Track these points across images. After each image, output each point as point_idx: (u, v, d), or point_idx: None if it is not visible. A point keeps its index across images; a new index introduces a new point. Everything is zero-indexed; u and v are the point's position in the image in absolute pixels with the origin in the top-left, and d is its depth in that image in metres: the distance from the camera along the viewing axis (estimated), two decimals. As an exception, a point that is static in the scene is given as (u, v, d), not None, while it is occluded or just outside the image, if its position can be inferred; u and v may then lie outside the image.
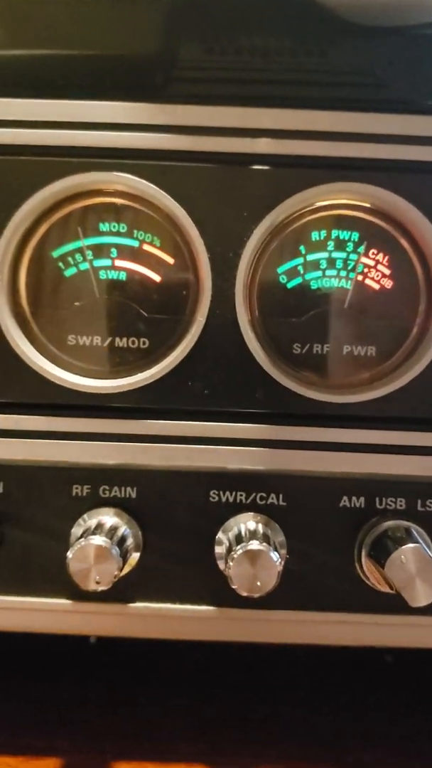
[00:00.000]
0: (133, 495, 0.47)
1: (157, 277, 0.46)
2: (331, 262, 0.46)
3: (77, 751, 0.51)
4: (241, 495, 0.47)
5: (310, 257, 0.46)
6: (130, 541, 0.45)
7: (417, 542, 0.44)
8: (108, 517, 0.46)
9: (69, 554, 0.43)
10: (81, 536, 0.44)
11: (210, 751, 0.51)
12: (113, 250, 0.46)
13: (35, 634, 0.49)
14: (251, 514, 0.47)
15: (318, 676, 0.60)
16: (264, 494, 0.47)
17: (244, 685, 0.59)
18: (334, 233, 0.46)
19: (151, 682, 0.58)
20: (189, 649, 0.59)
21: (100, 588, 0.43)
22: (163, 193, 0.45)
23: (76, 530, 0.46)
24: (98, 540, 0.43)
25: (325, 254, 0.46)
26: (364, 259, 0.46)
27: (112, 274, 0.46)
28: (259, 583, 0.43)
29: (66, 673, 0.59)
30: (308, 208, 0.45)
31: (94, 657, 0.60)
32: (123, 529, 0.45)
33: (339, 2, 0.44)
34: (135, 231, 0.46)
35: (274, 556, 0.43)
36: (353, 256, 0.46)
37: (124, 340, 0.46)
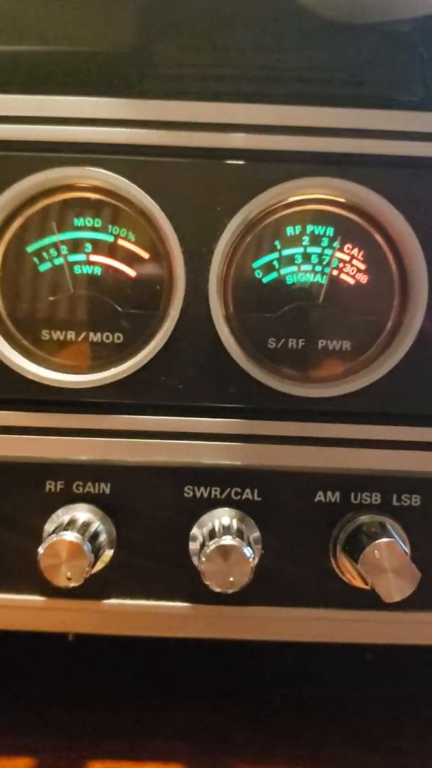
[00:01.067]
0: (107, 491, 0.47)
1: (131, 272, 0.46)
2: (306, 257, 0.46)
3: (54, 751, 0.50)
4: (215, 490, 0.47)
5: (286, 252, 0.46)
6: (103, 537, 0.45)
7: (391, 537, 0.44)
8: (81, 513, 0.46)
9: (40, 550, 0.43)
10: (53, 532, 0.44)
11: (187, 750, 0.51)
12: (88, 245, 0.46)
13: (10, 631, 0.49)
14: (226, 509, 0.47)
15: (299, 675, 0.60)
16: (239, 489, 0.47)
17: (222, 683, 0.58)
18: (309, 228, 0.46)
19: (128, 681, 0.58)
20: (166, 646, 0.59)
21: (72, 584, 0.43)
22: (137, 188, 0.45)
23: (49, 526, 0.46)
24: (70, 536, 0.43)
25: (300, 249, 0.46)
26: (338, 254, 0.46)
27: (87, 269, 0.46)
28: (231, 579, 0.43)
29: (43, 671, 0.59)
30: (282, 203, 0.46)
31: (70, 655, 0.59)
32: (96, 525, 0.45)
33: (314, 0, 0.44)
34: (110, 226, 0.46)
35: (247, 551, 0.43)
36: (328, 251, 0.46)
37: (99, 334, 0.46)
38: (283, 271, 0.46)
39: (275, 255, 0.46)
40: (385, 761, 0.51)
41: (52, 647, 0.59)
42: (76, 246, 0.46)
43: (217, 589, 0.43)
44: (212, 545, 0.43)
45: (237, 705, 0.56)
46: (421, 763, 0.51)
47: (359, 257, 0.46)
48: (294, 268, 0.46)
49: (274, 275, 0.46)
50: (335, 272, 0.46)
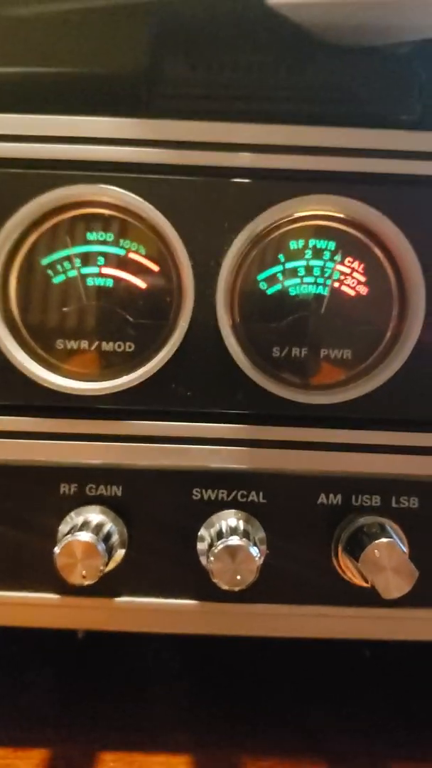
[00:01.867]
0: (119, 493, 0.48)
1: (142, 284, 0.48)
2: (309, 270, 0.48)
3: (66, 743, 0.52)
4: (222, 493, 0.48)
5: (289, 265, 0.48)
6: (115, 538, 0.47)
7: (390, 537, 0.45)
8: (94, 515, 0.47)
9: (56, 549, 0.45)
10: (68, 533, 0.46)
11: (194, 741, 0.52)
12: (100, 258, 0.47)
13: (24, 628, 0.51)
14: (232, 511, 0.48)
15: (300, 670, 0.62)
16: (245, 492, 0.49)
17: (227, 677, 0.60)
18: (312, 242, 0.48)
19: (137, 675, 0.60)
20: (174, 642, 0.60)
21: (87, 582, 0.45)
22: (148, 204, 0.46)
23: (64, 527, 0.47)
24: (85, 536, 0.45)
25: (303, 262, 0.48)
26: (340, 267, 0.48)
27: (99, 281, 0.48)
28: (239, 577, 0.44)
29: (55, 667, 0.60)
30: (286, 219, 0.47)
31: (80, 650, 0.61)
32: (109, 526, 0.47)
33: (316, 24, 0.46)
34: (121, 240, 0.47)
35: (254, 551, 0.45)
36: (330, 264, 0.48)
37: (111, 344, 0.48)
38: (286, 283, 0.48)
39: (279, 268, 0.48)
40: (385, 755, 0.52)
41: (64, 643, 0.61)
42: (88, 259, 0.47)
43: (225, 587, 0.45)
44: (220, 545, 0.44)
45: (242, 700, 0.57)
46: (422, 756, 0.52)
47: (359, 270, 0.48)
48: (297, 280, 0.48)
49: (278, 287, 0.48)
50: (336, 284, 0.48)
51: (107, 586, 0.48)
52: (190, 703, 0.57)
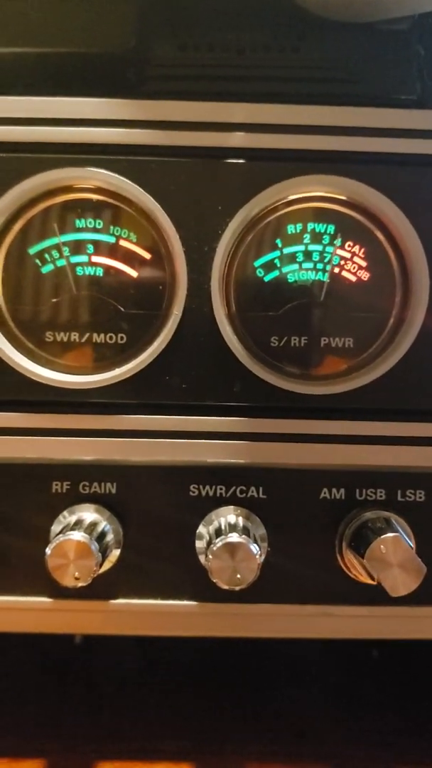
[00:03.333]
0: (113, 490, 0.47)
1: (133, 273, 0.46)
2: (308, 255, 0.46)
3: (63, 752, 0.51)
4: (221, 489, 0.47)
5: (287, 250, 0.46)
6: (110, 537, 0.45)
7: (396, 532, 0.44)
8: (88, 513, 0.46)
9: (48, 550, 0.43)
10: (60, 532, 0.44)
11: (193, 748, 0.51)
12: (90, 246, 0.46)
13: (18, 634, 0.49)
14: (232, 507, 0.47)
15: (303, 672, 0.60)
16: (244, 487, 0.47)
17: (226, 681, 0.59)
18: (310, 226, 0.46)
19: (134, 681, 0.58)
20: (171, 646, 0.59)
21: (80, 584, 0.43)
22: (138, 187, 0.45)
23: (56, 527, 0.46)
24: (77, 535, 0.43)
25: (301, 247, 0.46)
26: (340, 252, 0.46)
27: (89, 270, 0.46)
28: (239, 576, 0.43)
29: (49, 673, 0.59)
30: (283, 201, 0.46)
31: (76, 657, 0.59)
32: (103, 525, 0.45)
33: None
34: (111, 227, 0.46)
35: (254, 548, 0.43)
36: (329, 249, 0.46)
37: (102, 335, 0.46)
38: (284, 270, 0.46)
39: (277, 253, 0.46)
40: (389, 758, 0.51)
41: (59, 650, 0.59)
42: (78, 247, 0.46)
43: (225, 586, 0.43)
44: (219, 543, 0.43)
45: (244, 704, 0.56)
46: (428, 762, 0.51)
47: (360, 254, 0.46)
48: (295, 266, 0.46)
49: (275, 274, 0.46)
50: (336, 270, 0.46)
51: (102, 588, 0.47)
52: (189, 708, 0.55)
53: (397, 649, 0.61)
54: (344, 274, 0.46)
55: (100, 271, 0.46)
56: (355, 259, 0.46)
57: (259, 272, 0.46)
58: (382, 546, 0.43)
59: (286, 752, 0.51)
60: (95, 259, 0.46)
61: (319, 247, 0.46)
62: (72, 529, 0.44)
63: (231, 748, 0.51)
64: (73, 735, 0.52)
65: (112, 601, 0.48)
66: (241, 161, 0.45)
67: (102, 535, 0.45)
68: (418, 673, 0.61)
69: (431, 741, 0.53)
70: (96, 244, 0.46)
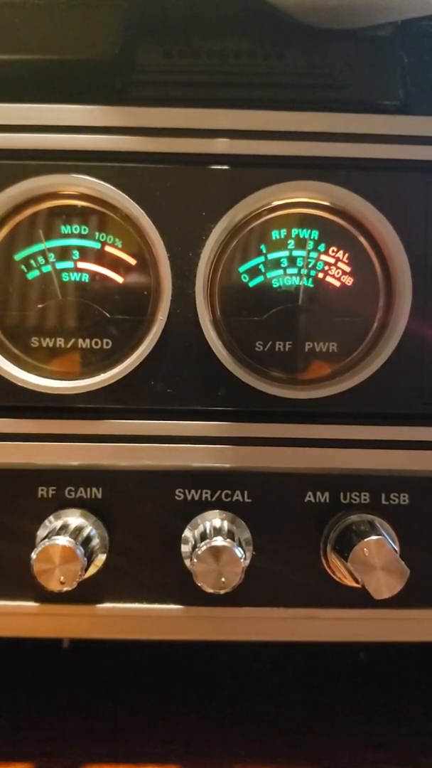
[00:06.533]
0: (99, 495, 0.47)
1: (119, 278, 0.46)
2: (292, 261, 0.46)
3: (48, 756, 0.50)
4: (206, 493, 0.47)
5: (271, 256, 0.46)
6: (96, 542, 0.46)
7: (380, 535, 0.44)
8: (73, 518, 0.46)
9: (33, 555, 0.43)
10: (46, 537, 0.44)
11: (181, 751, 0.51)
12: (75, 252, 0.46)
13: (4, 638, 0.49)
14: (217, 511, 0.47)
15: (292, 675, 0.61)
16: (229, 491, 0.47)
17: (214, 684, 0.59)
18: (294, 232, 0.46)
19: (120, 684, 0.58)
20: (158, 649, 0.59)
21: (65, 588, 0.43)
22: (122, 194, 0.45)
23: (42, 531, 0.46)
24: (62, 540, 0.43)
25: (285, 253, 0.46)
26: (324, 257, 0.46)
27: (75, 276, 0.46)
28: (223, 580, 0.43)
29: (34, 677, 0.59)
30: (267, 207, 0.46)
31: (62, 661, 0.59)
32: (89, 530, 0.45)
33: (293, 6, 0.45)
34: (97, 233, 0.46)
35: (239, 552, 0.43)
36: (313, 254, 0.46)
37: (87, 341, 0.46)
38: (269, 275, 0.46)
39: (261, 259, 0.46)
40: (382, 760, 0.51)
41: (47, 653, 0.59)
42: (63, 253, 0.46)
43: (209, 590, 0.43)
44: (204, 546, 0.43)
45: (233, 707, 0.56)
46: (419, 760, 0.51)
47: (344, 260, 0.46)
48: (280, 272, 0.46)
49: (260, 279, 0.46)
50: (321, 275, 0.46)
51: (89, 592, 0.47)
52: (179, 711, 0.55)
53: (384, 651, 0.61)
54: (328, 279, 0.46)
55: (85, 277, 0.46)
56: (339, 264, 0.46)
57: (244, 278, 0.46)
58: (365, 549, 0.43)
59: (274, 755, 0.51)
60: (81, 265, 0.46)
61: (303, 253, 0.46)
62: (57, 533, 0.44)
63: (219, 750, 0.51)
64: (61, 738, 0.52)
65: (99, 606, 0.48)
66: (225, 167, 0.46)
67: (87, 540, 0.45)
68: (405, 675, 0.61)
69: (418, 742, 0.53)
70: (81, 250, 0.46)
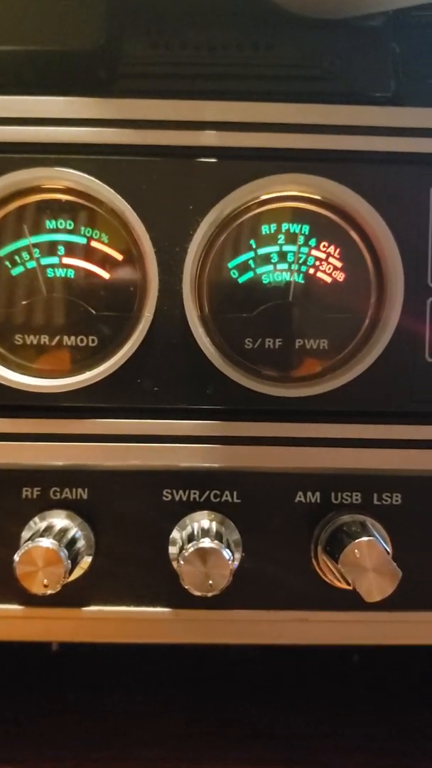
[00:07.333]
0: (85, 496, 0.46)
1: (105, 274, 0.45)
2: (282, 256, 0.45)
3: (39, 761, 0.50)
4: (194, 493, 0.46)
5: (261, 251, 0.45)
6: (81, 544, 0.45)
7: (371, 536, 0.43)
8: (59, 519, 0.45)
9: (16, 557, 0.42)
10: (30, 539, 0.43)
11: (172, 756, 0.50)
12: (60, 247, 0.45)
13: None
14: (206, 512, 0.46)
15: (285, 678, 0.60)
16: (218, 492, 0.46)
17: (205, 688, 0.58)
18: (285, 226, 0.45)
19: (111, 689, 0.57)
20: (152, 652, 0.58)
21: (49, 591, 0.42)
22: (107, 187, 0.44)
23: (26, 533, 0.45)
24: (46, 542, 0.42)
25: (275, 248, 0.45)
26: (314, 252, 0.45)
27: (60, 272, 0.45)
28: (210, 582, 0.42)
29: (26, 681, 0.58)
30: (255, 201, 0.45)
31: (54, 664, 0.59)
32: (74, 531, 0.45)
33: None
34: (82, 228, 0.45)
35: (226, 554, 0.42)
36: (304, 249, 0.45)
37: (73, 338, 0.45)
38: (259, 271, 0.45)
39: (251, 254, 0.45)
40: (378, 765, 0.50)
41: (37, 656, 0.58)
42: (48, 249, 0.45)
43: (196, 593, 0.42)
44: (191, 548, 0.42)
45: (227, 711, 0.55)
46: (416, 764, 0.50)
47: (335, 255, 0.45)
48: (270, 267, 0.45)
49: (250, 275, 0.45)
50: (311, 270, 0.45)
51: (75, 595, 0.46)
52: (173, 715, 0.55)
53: (382, 654, 0.61)
54: (319, 274, 0.45)
55: (71, 273, 0.45)
56: (330, 259, 0.45)
57: (233, 273, 0.46)
58: (356, 550, 0.42)
59: (269, 760, 0.50)
60: (66, 260, 0.45)
61: (294, 248, 0.45)
62: (41, 535, 0.43)
63: (213, 755, 0.51)
64: (53, 743, 0.51)
65: (85, 608, 0.47)
66: (212, 160, 0.45)
67: (72, 542, 0.44)
68: (404, 678, 0.60)
69: (415, 746, 0.52)
70: (67, 245, 0.45)
